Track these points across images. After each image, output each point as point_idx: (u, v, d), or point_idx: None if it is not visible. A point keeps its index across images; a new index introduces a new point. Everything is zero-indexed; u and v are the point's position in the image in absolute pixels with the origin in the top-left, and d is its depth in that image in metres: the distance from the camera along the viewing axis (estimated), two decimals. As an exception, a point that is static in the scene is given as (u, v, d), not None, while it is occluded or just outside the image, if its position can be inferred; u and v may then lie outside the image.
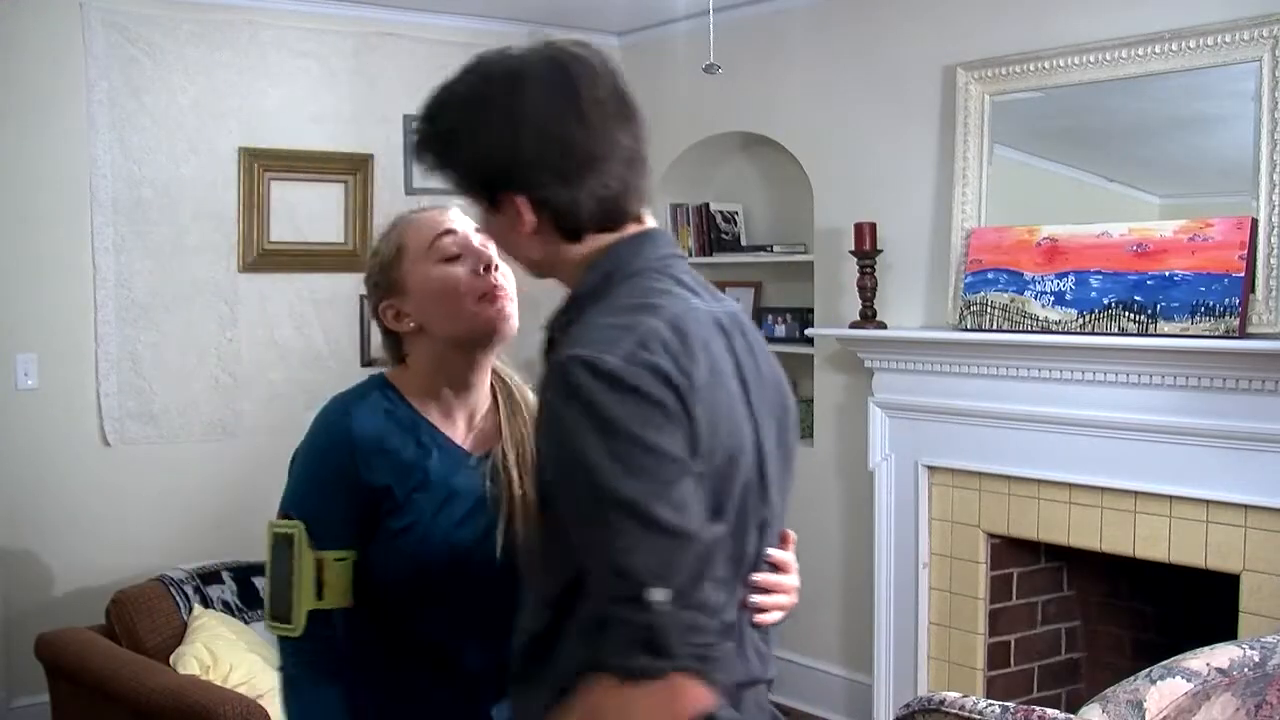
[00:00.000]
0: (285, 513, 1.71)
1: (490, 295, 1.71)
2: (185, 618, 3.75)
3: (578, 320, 1.35)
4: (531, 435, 1.78)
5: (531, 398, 1.84)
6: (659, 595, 1.19)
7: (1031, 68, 3.88)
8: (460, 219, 1.78)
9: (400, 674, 1.73)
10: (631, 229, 1.41)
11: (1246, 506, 3.37)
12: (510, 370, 1.86)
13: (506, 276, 1.74)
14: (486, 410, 1.81)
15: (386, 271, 1.77)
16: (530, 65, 1.37)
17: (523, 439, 1.78)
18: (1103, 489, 3.69)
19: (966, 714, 2.36)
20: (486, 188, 1.39)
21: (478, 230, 1.76)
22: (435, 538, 1.68)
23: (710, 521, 1.27)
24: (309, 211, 4.73)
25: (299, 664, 1.70)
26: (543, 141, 1.33)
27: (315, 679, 1.69)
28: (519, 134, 1.34)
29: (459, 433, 1.78)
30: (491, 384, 1.82)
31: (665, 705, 1.21)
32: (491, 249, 1.76)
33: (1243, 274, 3.33)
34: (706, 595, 1.22)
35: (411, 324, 1.75)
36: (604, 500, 1.21)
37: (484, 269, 1.72)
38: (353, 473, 1.68)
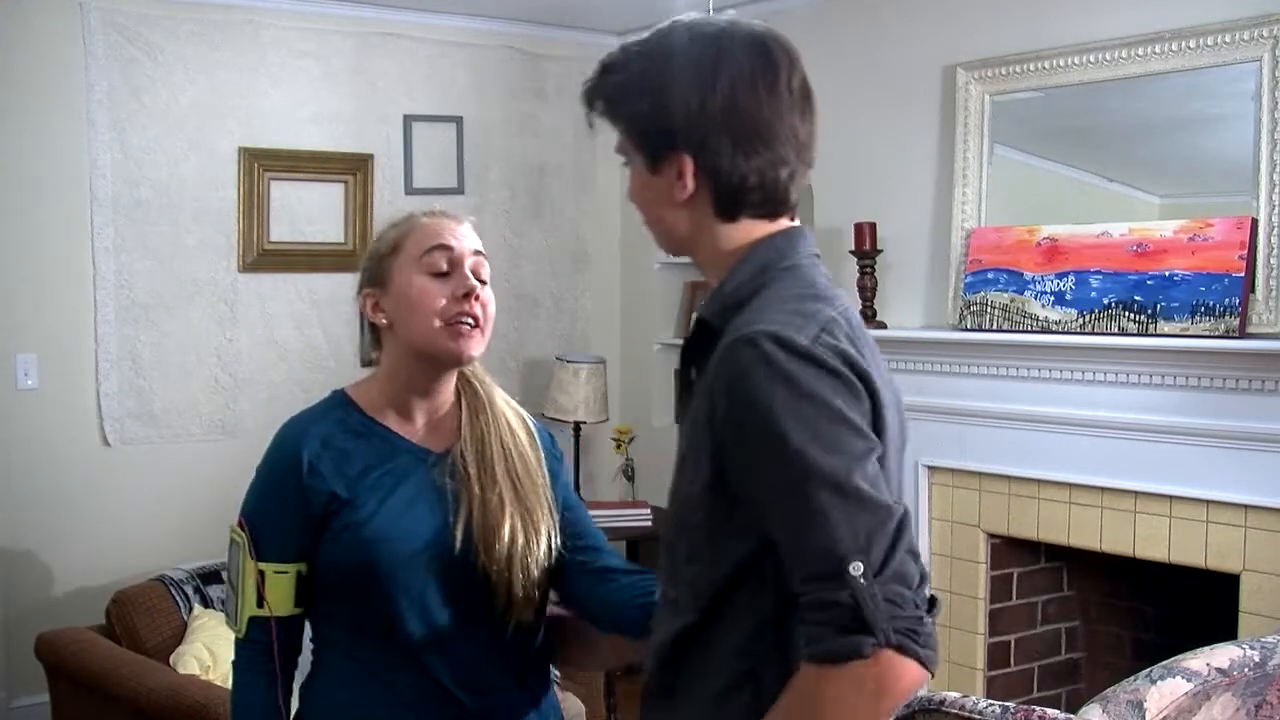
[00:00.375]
0: (241, 519, 1.77)
1: (460, 324, 1.73)
2: (185, 618, 3.75)
3: (743, 308, 1.32)
4: (494, 435, 1.81)
5: (499, 397, 1.87)
6: (858, 569, 1.16)
7: (1031, 68, 3.88)
8: (467, 235, 1.79)
9: (373, 676, 1.75)
10: (783, 224, 1.39)
11: (1246, 506, 3.37)
12: (481, 371, 1.87)
13: (486, 305, 1.76)
14: (448, 409, 1.83)
15: (378, 262, 1.81)
16: (734, 34, 1.36)
17: (483, 438, 1.80)
18: (1103, 489, 3.69)
19: (966, 714, 2.36)
20: (655, 143, 1.36)
21: (477, 254, 1.78)
22: (385, 533, 1.70)
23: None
24: (309, 211, 4.73)
25: (241, 661, 1.78)
26: (728, 107, 1.32)
27: (253, 678, 1.77)
28: (709, 93, 1.32)
29: (417, 433, 1.80)
30: (457, 383, 1.84)
31: (876, 684, 1.16)
32: (485, 272, 1.78)
33: (1243, 274, 3.33)
34: (906, 567, 1.18)
35: (385, 320, 1.79)
36: (803, 470, 1.19)
37: (464, 295, 1.73)
38: (300, 492, 1.72)
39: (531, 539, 1.77)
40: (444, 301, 1.72)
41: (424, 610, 1.72)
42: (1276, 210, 3.33)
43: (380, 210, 4.82)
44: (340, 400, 1.82)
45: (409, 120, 4.91)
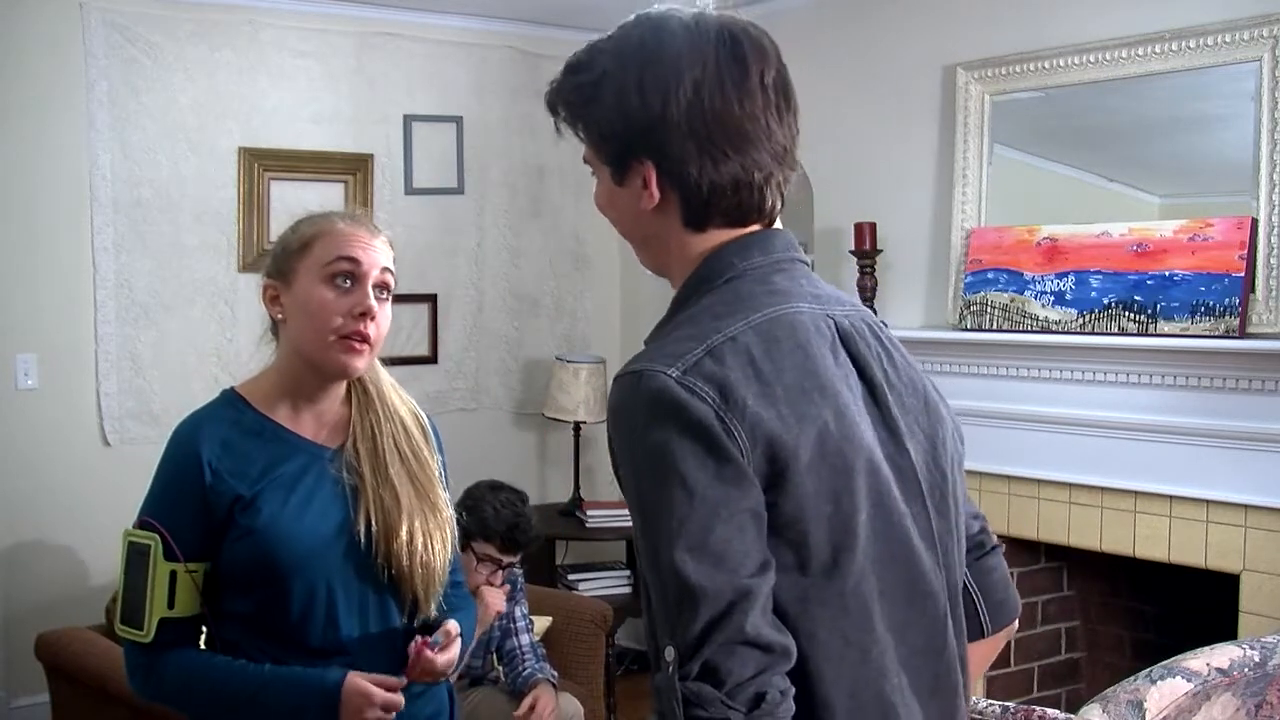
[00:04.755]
0: (143, 523, 1.77)
1: (349, 341, 1.76)
2: (185, 618, 3.75)
3: (661, 331, 1.24)
4: (385, 433, 1.84)
5: (390, 393, 1.90)
6: (670, 655, 1.09)
7: (1031, 68, 3.88)
8: (380, 251, 1.82)
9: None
10: (751, 228, 1.27)
11: (1246, 506, 3.37)
12: (376, 367, 1.90)
13: (380, 324, 1.80)
14: (339, 405, 1.86)
15: (287, 257, 1.83)
16: (702, 28, 1.24)
17: (374, 436, 1.84)
18: (1103, 489, 3.69)
19: (966, 714, 2.36)
20: (617, 150, 1.25)
21: (385, 270, 1.81)
22: (290, 531, 1.73)
23: (762, 570, 1.10)
24: (309, 212, 4.72)
25: (146, 667, 1.77)
26: (693, 109, 1.20)
27: (160, 677, 1.76)
28: (671, 95, 1.20)
29: (309, 429, 1.83)
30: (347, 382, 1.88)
31: None
32: (390, 289, 1.82)
33: (1243, 274, 3.33)
34: (720, 660, 1.07)
35: (280, 316, 1.82)
36: (639, 531, 1.14)
37: (361, 314, 1.76)
38: (201, 489, 1.74)
39: (432, 535, 1.82)
40: (340, 319, 1.76)
41: (330, 605, 1.76)
42: (1276, 210, 3.32)
43: (380, 210, 4.82)
44: (231, 399, 1.85)
45: (409, 120, 4.91)
